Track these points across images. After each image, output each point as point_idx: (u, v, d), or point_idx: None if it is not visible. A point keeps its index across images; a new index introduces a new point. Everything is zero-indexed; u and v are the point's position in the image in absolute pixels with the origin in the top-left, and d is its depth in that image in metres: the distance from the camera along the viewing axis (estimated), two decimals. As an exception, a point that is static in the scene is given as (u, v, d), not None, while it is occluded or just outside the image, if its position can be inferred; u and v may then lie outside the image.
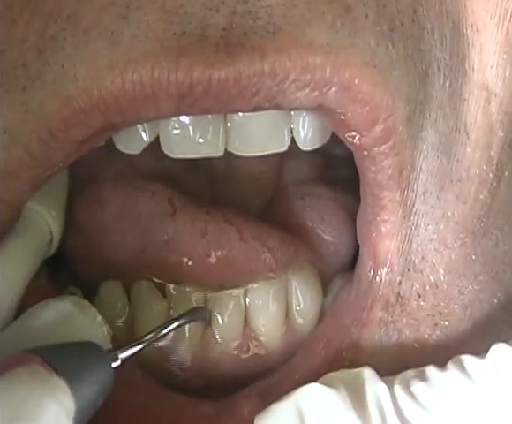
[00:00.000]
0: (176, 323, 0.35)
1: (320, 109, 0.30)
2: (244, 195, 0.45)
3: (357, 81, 0.29)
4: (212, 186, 0.45)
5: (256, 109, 0.29)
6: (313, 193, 0.43)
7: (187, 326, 0.37)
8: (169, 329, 0.35)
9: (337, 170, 0.44)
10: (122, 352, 0.31)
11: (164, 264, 0.39)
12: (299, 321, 0.39)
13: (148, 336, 0.34)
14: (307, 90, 0.28)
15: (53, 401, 0.25)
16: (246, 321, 0.39)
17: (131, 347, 0.32)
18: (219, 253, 0.39)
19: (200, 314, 0.37)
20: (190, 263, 0.39)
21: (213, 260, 0.39)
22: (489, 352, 0.30)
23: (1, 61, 0.28)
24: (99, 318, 0.34)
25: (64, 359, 0.28)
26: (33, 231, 0.35)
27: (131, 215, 0.40)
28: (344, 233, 0.41)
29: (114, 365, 0.30)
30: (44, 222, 0.36)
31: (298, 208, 0.43)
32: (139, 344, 0.32)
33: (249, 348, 0.38)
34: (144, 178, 0.41)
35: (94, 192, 0.40)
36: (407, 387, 0.30)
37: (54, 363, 0.26)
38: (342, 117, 0.30)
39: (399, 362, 0.32)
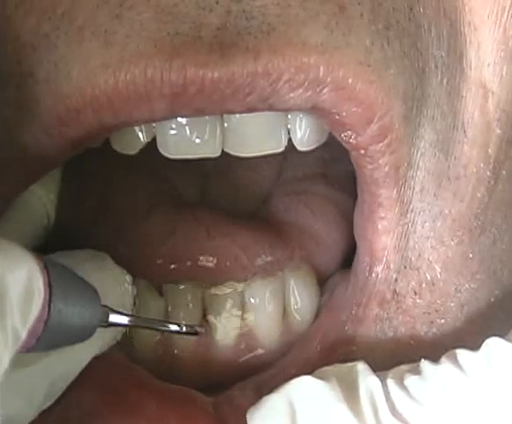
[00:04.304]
0: (175, 328, 0.36)
1: (314, 110, 0.30)
2: (241, 191, 0.45)
3: (350, 80, 0.28)
4: (210, 180, 0.45)
5: (250, 110, 0.29)
6: (310, 190, 0.43)
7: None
8: (165, 328, 0.36)
9: (344, 165, 0.44)
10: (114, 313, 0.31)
11: (136, 262, 0.39)
12: (296, 320, 0.39)
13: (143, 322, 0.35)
14: (301, 90, 0.28)
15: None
16: (244, 320, 0.39)
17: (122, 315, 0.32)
18: (186, 252, 0.40)
19: (199, 330, 0.37)
20: (159, 262, 0.40)
21: (181, 258, 0.40)
22: (483, 346, 0.30)
23: None
24: (128, 277, 0.35)
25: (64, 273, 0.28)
26: (30, 214, 0.34)
27: (109, 210, 0.41)
28: (335, 230, 0.42)
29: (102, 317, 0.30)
30: (42, 205, 0.35)
31: (293, 204, 0.43)
32: (132, 320, 0.33)
33: (247, 347, 0.38)
34: (127, 175, 0.42)
35: (77, 183, 0.40)
36: (400, 380, 0.30)
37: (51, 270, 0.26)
38: (337, 117, 0.30)
39: (395, 359, 0.32)
